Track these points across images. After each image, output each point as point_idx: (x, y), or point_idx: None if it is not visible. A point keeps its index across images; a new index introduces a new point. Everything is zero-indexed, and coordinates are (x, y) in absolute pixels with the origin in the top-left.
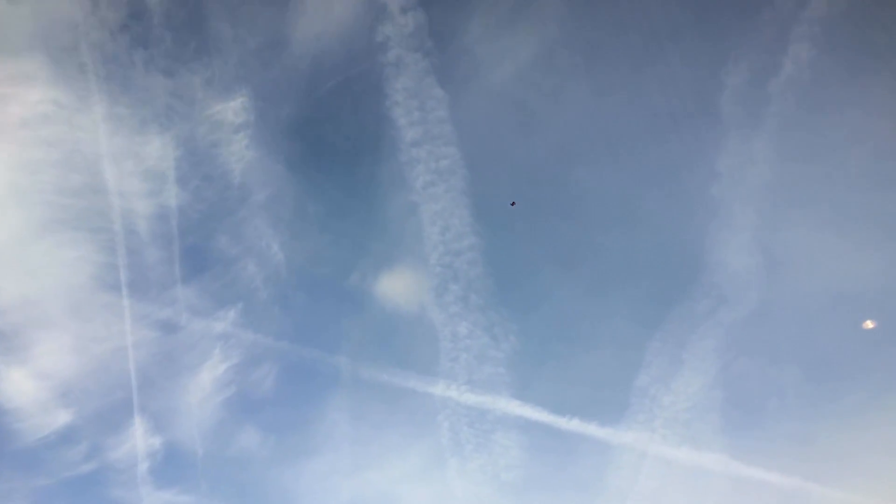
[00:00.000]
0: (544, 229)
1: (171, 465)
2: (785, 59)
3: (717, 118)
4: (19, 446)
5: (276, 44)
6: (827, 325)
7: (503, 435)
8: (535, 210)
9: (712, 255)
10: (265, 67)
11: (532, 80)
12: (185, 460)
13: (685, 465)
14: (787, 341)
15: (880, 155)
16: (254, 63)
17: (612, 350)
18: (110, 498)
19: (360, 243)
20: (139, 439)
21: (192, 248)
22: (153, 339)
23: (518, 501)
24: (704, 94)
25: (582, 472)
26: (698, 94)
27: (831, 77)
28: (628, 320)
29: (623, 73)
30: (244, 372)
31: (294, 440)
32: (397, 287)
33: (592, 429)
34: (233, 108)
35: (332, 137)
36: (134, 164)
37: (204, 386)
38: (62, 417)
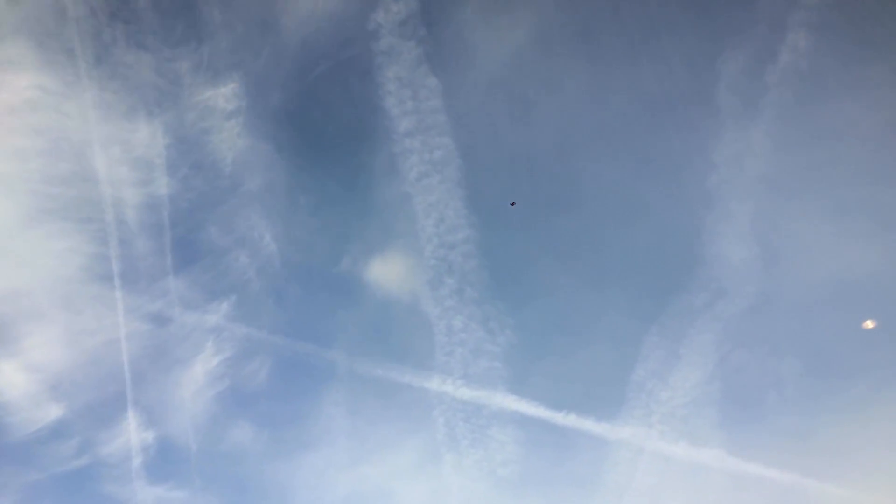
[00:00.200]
0: (540, 221)
1: (165, 460)
2: (782, 47)
3: (713, 108)
4: (10, 441)
5: (267, 31)
6: (826, 318)
7: (499, 430)
8: (530, 202)
9: (709, 247)
10: (256, 54)
11: (527, 70)
12: (178, 455)
13: (682, 461)
14: (786, 335)
15: (880, 145)
16: (245, 49)
17: (609, 344)
18: (103, 493)
19: (354, 235)
20: (132, 433)
21: (184, 238)
22: (145, 331)
23: (514, 497)
24: (700, 84)
25: (579, 468)
26: (694, 84)
27: (830, 65)
28: (625, 314)
29: (618, 63)
30: (237, 365)
31: (288, 435)
32: (391, 280)
33: (589, 424)
34: (224, 95)
35: (324, 127)
36: (123, 152)
37: (197, 379)
38: (54, 411)
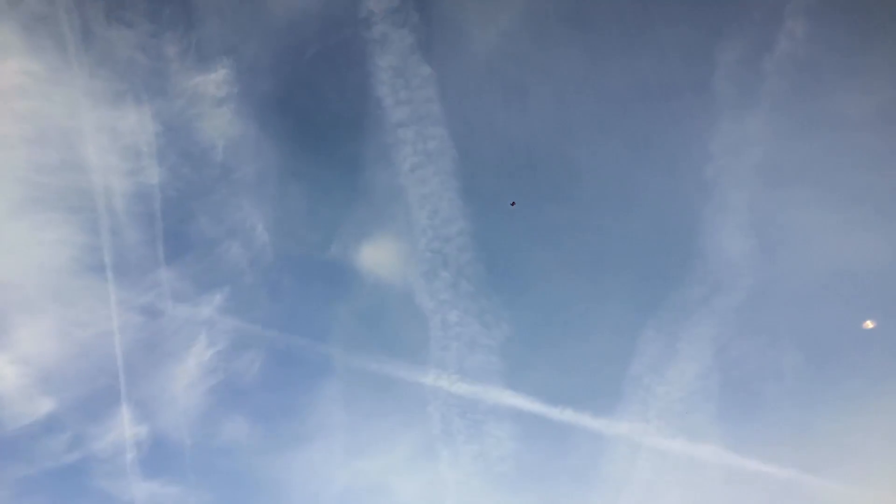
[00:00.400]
0: (536, 213)
1: (158, 455)
2: (780, 35)
3: (709, 97)
4: (0, 435)
5: (258, 18)
6: (824, 310)
7: (495, 426)
8: (526, 194)
9: (706, 239)
10: (247, 41)
11: (522, 59)
12: (171, 449)
13: (680, 456)
14: (784, 328)
15: (879, 133)
16: (236, 35)
17: (606, 338)
18: (95, 488)
19: (346, 227)
20: (125, 428)
21: (175, 228)
22: (137, 323)
23: (511, 493)
24: (696, 73)
25: (575, 464)
26: (690, 73)
27: (828, 53)
28: (621, 307)
29: (613, 52)
30: (230, 359)
31: (282, 430)
32: (385, 273)
33: (586, 419)
34: (215, 81)
35: (316, 117)
36: (113, 140)
37: (190, 373)
38: (45, 405)
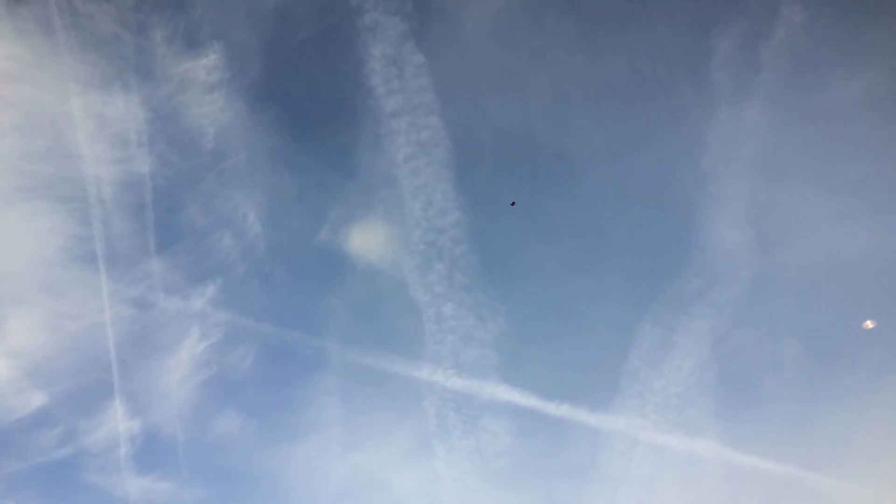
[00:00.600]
0: (531, 205)
1: (151, 449)
2: (777, 22)
3: (706, 86)
4: None
5: (249, 1)
6: (823, 303)
7: (491, 421)
8: (521, 186)
9: (703, 231)
10: (238, 26)
11: (517, 48)
12: (164, 444)
13: (677, 452)
14: (782, 321)
15: (876, 123)
16: (227, 21)
17: (602, 331)
18: (87, 483)
19: (339, 219)
20: (118, 422)
21: (167, 218)
22: (129, 316)
23: (507, 489)
24: (692, 62)
25: (572, 459)
26: (686, 62)
27: (825, 41)
28: (618, 300)
29: (609, 41)
30: (223, 352)
31: (275, 424)
32: (378, 265)
33: (582, 414)
34: (205, 66)
35: (308, 107)
36: (103, 127)
37: (183, 366)
38: (36, 399)
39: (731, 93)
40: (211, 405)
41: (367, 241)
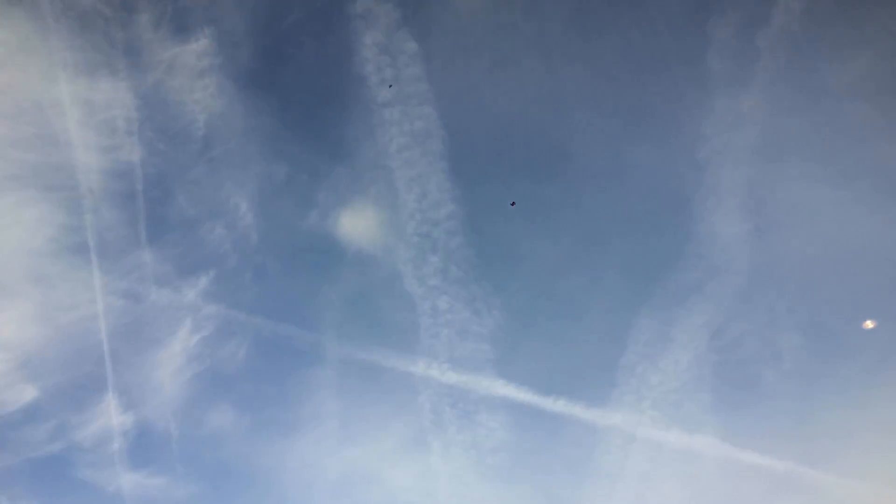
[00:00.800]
0: (527, 197)
1: (144, 443)
2: (775, 9)
3: (703, 75)
4: None
5: None
6: (822, 296)
7: (487, 416)
8: (517, 177)
9: (701, 222)
10: (228, 11)
11: (512, 35)
12: (157, 438)
13: (674, 448)
14: (781, 314)
15: (875, 109)
16: (216, 5)
17: (599, 325)
18: (79, 478)
19: (331, 210)
20: (111, 416)
21: (157, 208)
22: (121, 308)
23: (503, 484)
24: (689, 49)
25: (568, 455)
26: (683, 49)
27: (824, 27)
28: (614, 293)
29: (605, 28)
30: (216, 345)
31: (269, 419)
32: (372, 258)
33: (579, 410)
34: (195, 52)
35: (300, 97)
36: (91, 114)
37: (176, 359)
38: (27, 392)
39: (730, 80)
40: (204, 399)
41: (360, 232)
